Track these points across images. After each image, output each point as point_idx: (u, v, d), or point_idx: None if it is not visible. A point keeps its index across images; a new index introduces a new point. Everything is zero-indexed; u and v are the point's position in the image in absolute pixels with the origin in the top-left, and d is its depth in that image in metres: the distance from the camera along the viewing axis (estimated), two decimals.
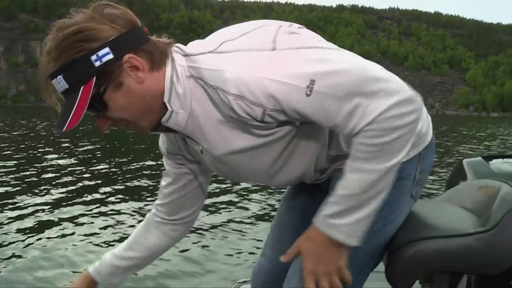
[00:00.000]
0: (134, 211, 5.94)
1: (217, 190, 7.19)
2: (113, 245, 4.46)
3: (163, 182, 1.42)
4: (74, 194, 6.89)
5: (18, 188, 7.27)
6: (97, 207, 6.05)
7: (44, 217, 5.53)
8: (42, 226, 5.11)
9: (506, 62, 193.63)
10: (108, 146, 15.30)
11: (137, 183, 8.05)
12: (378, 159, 1.05)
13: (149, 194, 6.96)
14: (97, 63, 1.03)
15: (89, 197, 6.67)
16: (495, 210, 1.28)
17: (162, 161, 1.35)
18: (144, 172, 9.37)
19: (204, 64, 1.08)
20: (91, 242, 4.65)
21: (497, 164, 2.16)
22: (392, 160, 1.06)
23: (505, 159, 2.24)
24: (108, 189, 7.38)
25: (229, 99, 1.05)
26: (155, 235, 1.48)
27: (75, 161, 10.92)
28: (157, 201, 1.47)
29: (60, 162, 10.65)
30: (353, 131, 1.04)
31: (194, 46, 1.16)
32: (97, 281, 1.43)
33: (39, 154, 12.13)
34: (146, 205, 6.21)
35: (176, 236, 1.50)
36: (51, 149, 13.41)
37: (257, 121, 1.09)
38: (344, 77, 1.01)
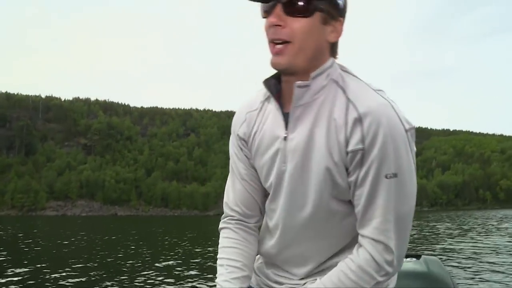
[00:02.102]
0: None
1: None
2: None
3: (238, 168, 1.50)
4: None
5: None
6: None
7: None
8: None
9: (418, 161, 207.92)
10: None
11: None
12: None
13: None
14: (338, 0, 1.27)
15: None
16: None
17: None
18: None
19: (356, 85, 1.28)
20: None
21: None
22: None
23: None
24: None
25: (352, 115, 1.23)
26: (253, 243, 1.50)
27: None
28: (231, 202, 1.51)
29: None
30: (362, 231, 1.26)
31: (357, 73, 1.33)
32: None
33: None
34: None
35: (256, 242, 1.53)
36: None
37: (345, 150, 1.24)
38: (407, 202, 1.25)
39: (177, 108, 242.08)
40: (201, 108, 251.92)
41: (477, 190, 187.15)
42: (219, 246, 1.49)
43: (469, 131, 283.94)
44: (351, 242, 1.35)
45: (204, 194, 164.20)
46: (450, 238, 20.90)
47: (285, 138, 1.33)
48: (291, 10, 1.22)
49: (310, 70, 1.28)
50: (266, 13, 1.26)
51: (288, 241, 1.41)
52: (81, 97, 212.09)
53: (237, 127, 1.49)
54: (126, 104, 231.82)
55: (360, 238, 1.27)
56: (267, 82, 1.36)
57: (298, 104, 1.29)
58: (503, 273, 10.18)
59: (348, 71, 1.33)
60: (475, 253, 14.55)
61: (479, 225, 33.42)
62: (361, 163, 1.22)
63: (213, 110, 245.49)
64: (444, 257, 13.23)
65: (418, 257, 2.20)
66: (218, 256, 1.47)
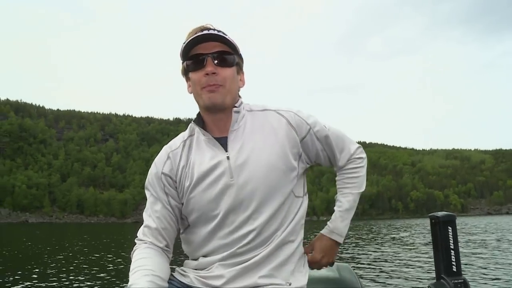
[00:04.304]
0: None
1: None
2: None
3: (155, 206, 1.69)
4: None
5: None
6: None
7: None
8: None
9: (329, 171, 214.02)
10: None
11: None
12: (358, 188, 1.81)
13: None
14: (241, 57, 1.73)
15: None
16: None
17: None
18: None
19: (267, 104, 1.77)
20: None
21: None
22: (363, 187, 1.83)
23: None
24: None
25: (289, 115, 1.71)
26: (167, 266, 1.64)
27: None
28: (151, 230, 1.67)
29: None
30: (343, 157, 1.80)
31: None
32: None
33: None
34: None
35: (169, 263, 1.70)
36: None
37: (299, 138, 1.70)
38: (338, 128, 1.82)
39: (95, 112, 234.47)
40: (120, 113, 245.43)
41: (390, 200, 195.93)
42: (133, 261, 1.58)
43: (383, 144, 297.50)
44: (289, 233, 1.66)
45: (122, 201, 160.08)
46: (360, 245, 21.54)
47: (228, 158, 1.62)
48: (220, 61, 1.61)
49: (231, 107, 1.66)
50: (198, 66, 1.62)
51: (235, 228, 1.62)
52: None
53: (161, 167, 1.70)
54: (41, 105, 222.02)
55: (341, 165, 1.82)
56: (195, 121, 1.72)
57: (234, 128, 1.66)
58: (399, 278, 10.60)
59: (248, 103, 1.77)
60: (378, 259, 15.08)
61: (384, 234, 34.81)
62: (316, 136, 1.73)
63: (133, 115, 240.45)
64: (355, 264, 13.57)
65: (331, 264, 2.25)
66: (131, 268, 1.54)
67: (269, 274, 1.59)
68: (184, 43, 1.62)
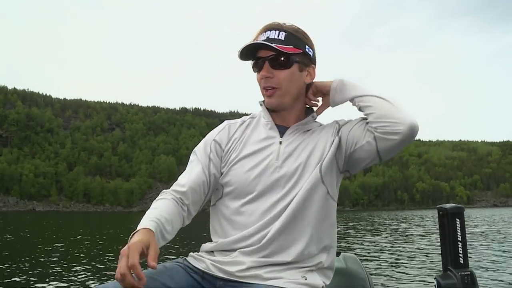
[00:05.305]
0: None
1: None
2: None
3: (194, 168, 1.74)
4: None
5: None
6: None
7: None
8: None
9: None
10: None
11: None
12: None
13: None
14: (308, 52, 1.70)
15: None
16: None
17: None
18: None
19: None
20: None
21: None
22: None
23: None
24: None
25: (333, 121, 1.76)
26: (179, 218, 1.64)
27: None
28: (179, 186, 1.70)
29: None
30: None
31: None
32: (157, 238, 1.46)
33: None
34: None
35: (184, 222, 1.70)
36: None
37: (337, 133, 1.70)
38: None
39: (102, 101, 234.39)
40: (127, 102, 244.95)
41: (395, 191, 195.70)
42: (153, 205, 1.62)
43: None
44: (321, 235, 1.66)
45: (128, 190, 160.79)
46: (366, 236, 21.60)
47: (280, 142, 1.71)
48: (276, 65, 1.65)
49: (295, 105, 1.74)
50: (258, 69, 1.69)
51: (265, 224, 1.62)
52: None
53: (215, 134, 1.80)
54: (48, 94, 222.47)
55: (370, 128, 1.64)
56: (263, 102, 1.79)
57: (298, 125, 1.74)
58: (405, 269, 10.64)
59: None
60: (384, 250, 15.15)
61: (390, 225, 34.85)
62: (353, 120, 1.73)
63: (140, 105, 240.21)
64: (363, 253, 13.63)
65: (337, 254, 2.33)
66: (148, 211, 1.57)
67: (285, 267, 1.59)
68: (245, 45, 1.66)
